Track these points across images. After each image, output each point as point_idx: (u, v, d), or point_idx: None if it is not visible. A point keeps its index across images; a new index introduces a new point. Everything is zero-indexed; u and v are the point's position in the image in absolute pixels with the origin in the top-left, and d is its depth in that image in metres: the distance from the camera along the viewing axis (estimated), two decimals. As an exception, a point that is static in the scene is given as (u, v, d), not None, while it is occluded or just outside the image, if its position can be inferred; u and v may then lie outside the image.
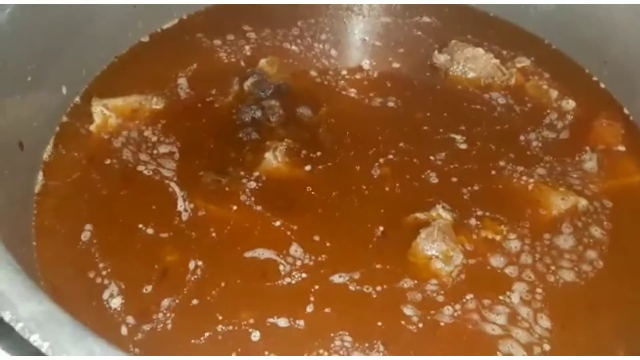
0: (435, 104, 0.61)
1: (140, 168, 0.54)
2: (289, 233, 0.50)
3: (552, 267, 0.50)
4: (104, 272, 0.47)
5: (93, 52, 0.60)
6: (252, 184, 0.53)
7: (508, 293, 0.48)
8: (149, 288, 0.47)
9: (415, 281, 0.48)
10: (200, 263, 0.48)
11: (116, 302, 0.46)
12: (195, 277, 0.47)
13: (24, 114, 0.51)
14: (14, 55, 0.50)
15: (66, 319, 0.31)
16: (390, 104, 0.60)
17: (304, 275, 0.48)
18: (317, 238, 0.50)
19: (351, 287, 0.47)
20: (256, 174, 0.54)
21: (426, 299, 0.47)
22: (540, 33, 0.67)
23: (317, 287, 0.47)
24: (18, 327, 0.30)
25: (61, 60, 0.56)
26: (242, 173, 0.54)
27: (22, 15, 0.51)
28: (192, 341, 0.44)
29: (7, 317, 0.30)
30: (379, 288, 0.48)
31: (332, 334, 0.45)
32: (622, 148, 0.59)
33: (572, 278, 0.49)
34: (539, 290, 0.48)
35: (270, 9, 0.68)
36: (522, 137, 0.59)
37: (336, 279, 0.48)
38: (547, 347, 0.46)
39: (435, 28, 0.67)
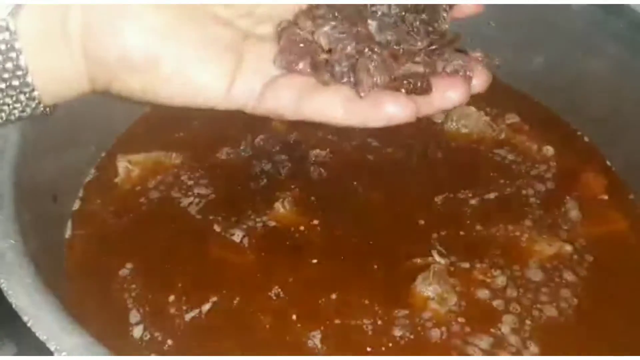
0: (435, 156, 0.66)
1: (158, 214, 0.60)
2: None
3: (538, 305, 0.54)
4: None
5: (120, 114, 0.65)
6: (261, 231, 0.58)
7: (499, 325, 0.53)
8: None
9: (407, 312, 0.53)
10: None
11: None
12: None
13: (58, 170, 0.57)
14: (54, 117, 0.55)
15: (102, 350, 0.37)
16: (392, 154, 0.66)
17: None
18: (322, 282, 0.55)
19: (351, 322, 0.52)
20: (265, 221, 0.59)
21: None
22: (528, 91, 0.72)
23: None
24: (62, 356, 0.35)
25: (92, 122, 0.61)
26: (253, 221, 0.59)
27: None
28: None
29: (52, 347, 0.35)
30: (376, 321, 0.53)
31: None
32: (605, 197, 0.64)
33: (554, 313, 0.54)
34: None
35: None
36: (509, 190, 0.63)
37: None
38: None
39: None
